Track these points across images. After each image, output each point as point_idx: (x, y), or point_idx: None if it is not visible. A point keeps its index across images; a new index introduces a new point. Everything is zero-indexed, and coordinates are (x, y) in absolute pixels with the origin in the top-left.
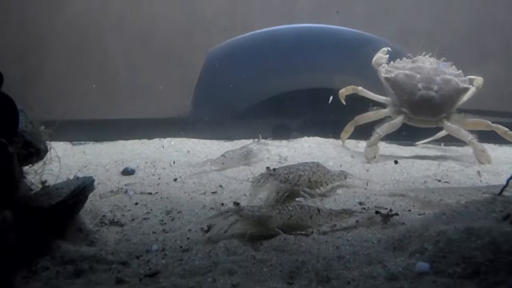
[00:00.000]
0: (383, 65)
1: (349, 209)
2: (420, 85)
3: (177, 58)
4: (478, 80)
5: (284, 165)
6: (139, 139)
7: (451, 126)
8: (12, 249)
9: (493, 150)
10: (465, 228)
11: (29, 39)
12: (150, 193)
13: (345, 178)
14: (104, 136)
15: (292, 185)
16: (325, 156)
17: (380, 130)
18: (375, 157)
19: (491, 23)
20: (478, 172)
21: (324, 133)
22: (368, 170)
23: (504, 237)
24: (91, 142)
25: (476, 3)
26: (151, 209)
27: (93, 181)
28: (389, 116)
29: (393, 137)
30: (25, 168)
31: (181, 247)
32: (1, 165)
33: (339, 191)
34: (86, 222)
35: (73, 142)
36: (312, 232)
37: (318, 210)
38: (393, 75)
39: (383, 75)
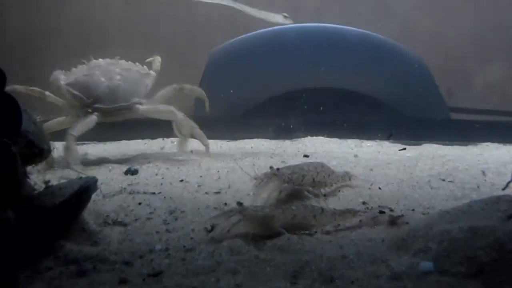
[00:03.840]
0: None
1: (352, 208)
2: (102, 79)
3: (180, 58)
4: (156, 60)
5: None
6: (142, 139)
7: (147, 109)
8: (15, 249)
9: (496, 149)
10: (469, 227)
11: (32, 39)
12: (154, 193)
13: (350, 179)
14: (107, 136)
15: (296, 185)
16: (329, 156)
17: (74, 131)
18: (74, 163)
19: (495, 22)
20: (483, 171)
21: (327, 133)
22: (372, 170)
23: (508, 236)
24: (94, 142)
25: (480, 2)
26: (155, 209)
27: (96, 181)
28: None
29: (395, 136)
30: (28, 167)
31: (184, 246)
32: (4, 165)
33: (342, 191)
34: (89, 222)
35: (76, 142)
36: (315, 231)
37: (322, 209)
38: (73, 80)
39: (62, 82)
